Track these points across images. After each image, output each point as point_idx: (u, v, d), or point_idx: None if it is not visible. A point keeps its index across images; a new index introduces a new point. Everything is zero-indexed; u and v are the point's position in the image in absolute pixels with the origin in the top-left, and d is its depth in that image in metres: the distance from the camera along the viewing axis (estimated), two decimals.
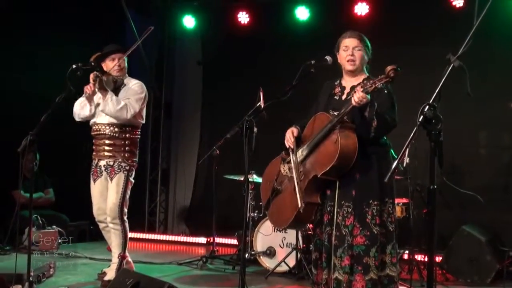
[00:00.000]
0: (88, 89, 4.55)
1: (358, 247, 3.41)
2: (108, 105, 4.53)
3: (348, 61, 3.59)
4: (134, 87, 4.73)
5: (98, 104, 4.65)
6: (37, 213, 6.37)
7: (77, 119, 4.80)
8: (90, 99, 4.66)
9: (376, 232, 3.42)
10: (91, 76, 4.49)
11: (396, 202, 5.27)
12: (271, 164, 3.88)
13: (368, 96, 3.26)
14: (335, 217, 3.48)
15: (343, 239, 3.44)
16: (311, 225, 4.34)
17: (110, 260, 4.80)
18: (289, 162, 3.68)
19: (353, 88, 3.60)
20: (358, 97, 3.24)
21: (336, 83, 3.74)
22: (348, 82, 3.68)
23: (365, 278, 3.39)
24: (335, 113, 3.49)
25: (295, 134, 3.65)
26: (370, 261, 3.40)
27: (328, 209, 3.54)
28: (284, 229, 5.24)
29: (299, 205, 3.40)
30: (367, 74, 3.65)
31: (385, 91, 3.42)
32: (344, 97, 3.64)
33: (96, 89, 4.53)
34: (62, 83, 4.10)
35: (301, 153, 3.57)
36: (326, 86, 3.79)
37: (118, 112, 4.55)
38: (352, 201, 3.46)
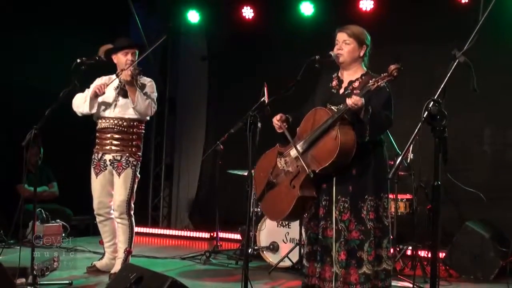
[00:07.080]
0: (99, 90, 4.53)
1: (353, 241, 3.49)
2: (139, 102, 4.56)
3: (336, 54, 3.64)
4: (150, 84, 4.78)
5: (101, 102, 4.63)
6: (41, 207, 6.39)
7: (77, 112, 4.74)
8: (95, 98, 4.62)
9: (370, 227, 3.49)
10: (131, 70, 4.48)
11: (399, 198, 5.35)
12: (265, 155, 3.86)
13: (363, 100, 3.31)
14: (333, 212, 3.53)
15: (339, 234, 3.50)
16: None
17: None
18: (286, 156, 3.68)
19: (350, 83, 3.65)
20: (353, 101, 3.31)
21: (333, 75, 3.77)
22: (345, 75, 3.71)
23: (358, 271, 3.47)
24: (333, 108, 3.55)
25: (279, 117, 3.66)
26: (364, 255, 3.48)
27: (323, 203, 3.59)
28: (279, 221, 5.26)
29: (307, 171, 3.42)
30: (365, 69, 3.68)
31: (387, 89, 3.48)
32: (341, 91, 3.68)
33: (127, 84, 4.54)
34: (65, 77, 4.10)
35: (299, 148, 3.57)
36: (324, 79, 3.81)
37: (146, 109, 4.62)
38: (349, 196, 3.51)
